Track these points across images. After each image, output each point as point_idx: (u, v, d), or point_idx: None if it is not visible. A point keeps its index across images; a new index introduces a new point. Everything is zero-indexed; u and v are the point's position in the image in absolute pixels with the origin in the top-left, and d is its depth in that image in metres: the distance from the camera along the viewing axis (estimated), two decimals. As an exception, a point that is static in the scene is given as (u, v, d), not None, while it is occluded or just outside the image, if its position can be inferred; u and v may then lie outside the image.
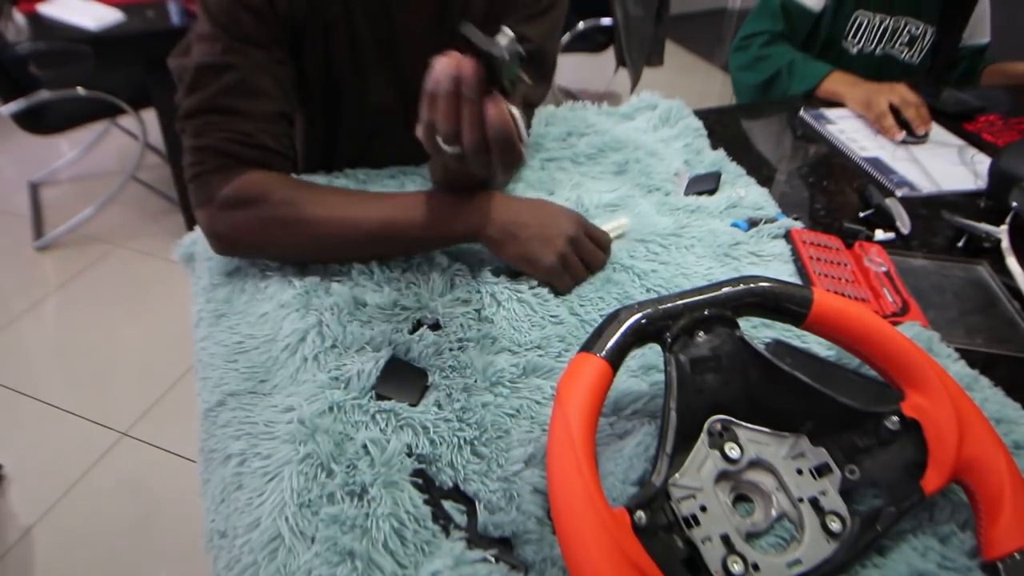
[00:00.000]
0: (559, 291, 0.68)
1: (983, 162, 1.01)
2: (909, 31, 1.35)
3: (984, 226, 0.83)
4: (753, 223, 0.81)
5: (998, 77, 1.44)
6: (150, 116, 2.07)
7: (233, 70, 0.65)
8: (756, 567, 0.44)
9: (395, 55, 0.77)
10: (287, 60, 0.71)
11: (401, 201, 0.67)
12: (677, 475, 0.46)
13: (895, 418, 0.49)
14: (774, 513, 0.48)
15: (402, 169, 0.87)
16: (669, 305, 0.50)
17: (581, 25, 2.63)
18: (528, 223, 0.66)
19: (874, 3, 1.32)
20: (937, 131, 1.12)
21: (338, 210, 0.66)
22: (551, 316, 0.67)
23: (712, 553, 0.44)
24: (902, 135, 1.08)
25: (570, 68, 3.23)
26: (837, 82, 1.23)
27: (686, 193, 0.87)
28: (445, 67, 0.47)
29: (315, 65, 0.75)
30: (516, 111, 0.45)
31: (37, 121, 1.94)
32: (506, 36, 0.43)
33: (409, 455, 0.53)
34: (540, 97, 0.82)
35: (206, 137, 0.66)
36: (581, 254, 0.68)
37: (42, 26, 1.78)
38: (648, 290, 0.70)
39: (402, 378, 0.58)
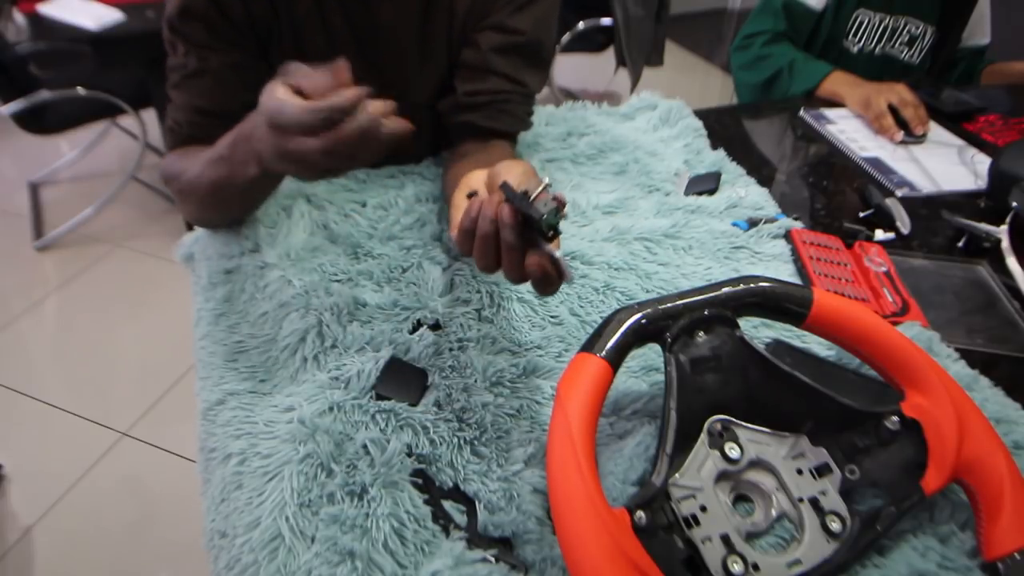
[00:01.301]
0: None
1: (983, 162, 1.01)
2: (909, 31, 1.36)
3: (984, 226, 0.83)
4: (753, 223, 0.81)
5: (997, 77, 1.44)
6: (150, 116, 2.07)
7: (182, 69, 0.71)
8: (756, 567, 0.44)
9: (376, 53, 0.77)
10: (247, 64, 0.72)
11: (220, 153, 0.62)
12: (677, 475, 0.46)
13: (895, 418, 0.49)
14: (774, 513, 0.48)
15: (401, 169, 0.87)
16: (669, 305, 0.50)
17: (581, 25, 2.63)
18: (257, 147, 0.53)
19: (875, 2, 1.33)
20: (937, 131, 1.12)
21: (195, 174, 0.67)
22: (551, 316, 0.67)
23: (712, 553, 0.44)
24: (900, 135, 1.08)
25: (570, 68, 3.22)
26: (838, 82, 1.23)
27: (686, 193, 0.87)
28: (485, 209, 0.47)
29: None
30: (558, 253, 0.45)
31: (37, 121, 1.93)
32: (542, 186, 0.44)
33: (409, 455, 0.53)
34: (537, 87, 0.82)
35: (166, 119, 0.75)
36: (297, 143, 0.48)
37: (42, 26, 1.77)
38: (648, 291, 0.70)
39: (402, 378, 0.58)
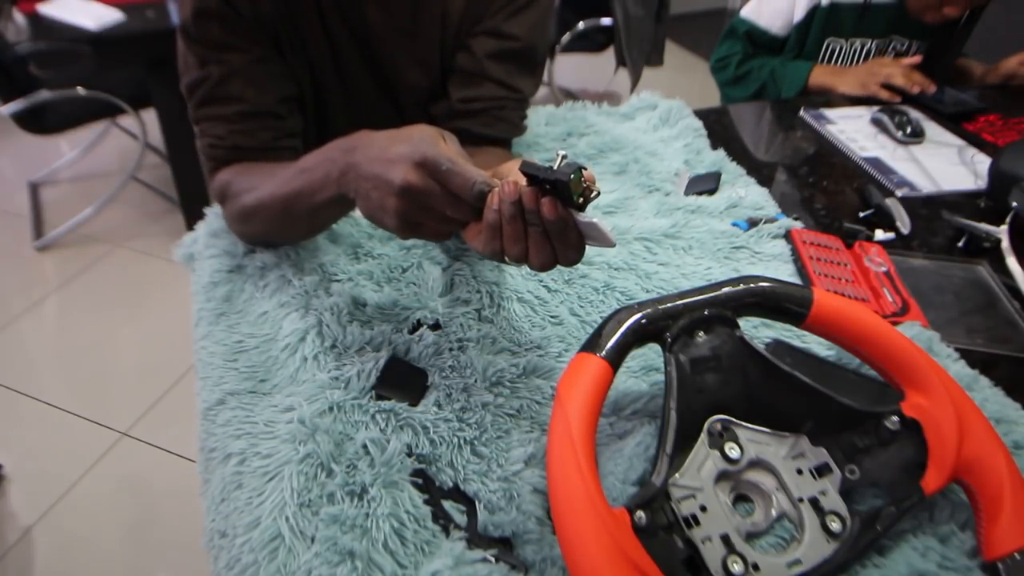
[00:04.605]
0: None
1: (983, 162, 1.01)
2: (895, 48, 1.36)
3: (984, 226, 0.83)
4: (753, 223, 0.81)
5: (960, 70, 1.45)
6: (150, 116, 2.07)
7: (207, 82, 0.69)
8: (756, 567, 0.44)
9: (371, 53, 0.78)
10: (269, 56, 0.71)
11: (304, 165, 0.60)
12: (677, 475, 0.46)
13: (895, 418, 0.49)
14: (774, 513, 0.48)
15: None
16: (669, 305, 0.50)
17: (581, 25, 2.63)
18: (366, 173, 0.51)
19: (845, 30, 1.33)
20: (937, 131, 1.12)
21: (264, 192, 0.64)
22: (551, 316, 0.67)
23: (712, 553, 0.44)
24: (917, 90, 1.17)
25: (570, 68, 3.22)
26: (822, 75, 1.29)
27: (686, 193, 0.87)
28: (504, 195, 0.47)
29: (298, 65, 0.76)
30: (598, 220, 0.45)
31: (37, 121, 1.93)
32: (559, 157, 0.44)
33: (409, 455, 0.53)
34: (531, 92, 0.82)
35: (199, 144, 0.73)
36: (429, 207, 0.49)
37: (42, 26, 1.77)
38: (648, 291, 0.70)
39: (402, 378, 0.58)
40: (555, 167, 0.44)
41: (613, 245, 0.47)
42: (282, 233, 0.70)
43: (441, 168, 0.47)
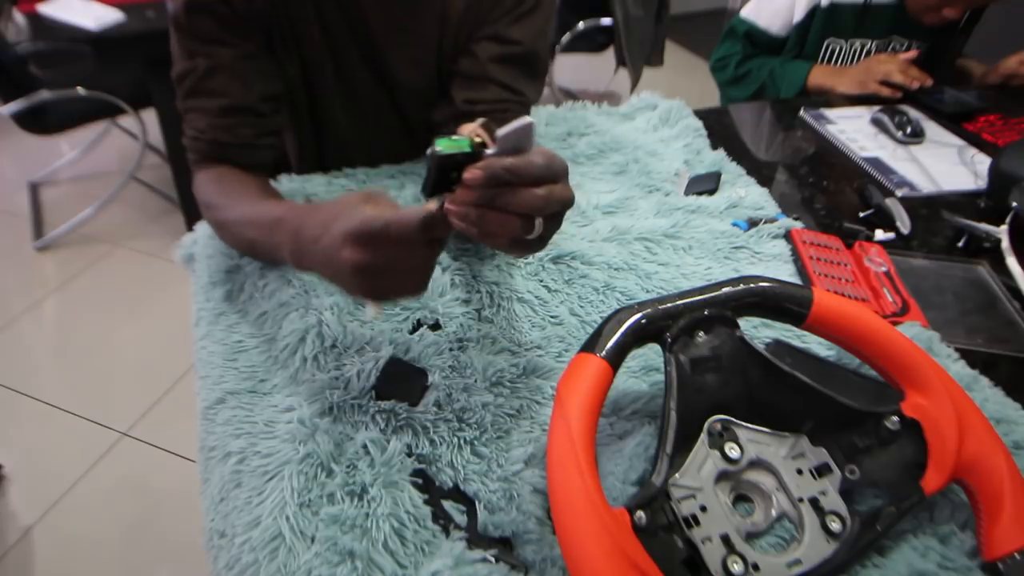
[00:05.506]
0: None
1: (983, 162, 1.01)
2: (894, 48, 1.36)
3: (984, 226, 0.83)
4: (753, 223, 0.81)
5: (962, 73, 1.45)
6: (150, 116, 2.07)
7: (192, 74, 0.70)
8: (756, 567, 0.44)
9: (373, 49, 0.78)
10: (257, 53, 0.72)
11: (258, 219, 0.61)
12: (677, 475, 0.46)
13: (895, 418, 0.49)
14: (774, 513, 0.48)
15: (401, 168, 0.87)
16: (669, 305, 0.50)
17: (581, 25, 2.63)
18: (320, 261, 0.50)
19: (845, 30, 1.33)
20: (937, 131, 1.12)
21: (231, 217, 0.66)
22: (551, 316, 0.67)
23: (712, 553, 0.44)
24: (916, 85, 1.19)
25: (570, 68, 3.22)
26: (820, 75, 1.29)
27: (686, 193, 0.87)
28: (457, 215, 0.45)
29: (290, 61, 0.76)
30: (501, 131, 0.42)
31: (37, 121, 1.93)
32: (431, 148, 0.43)
33: (409, 455, 0.53)
34: (535, 97, 0.82)
35: (183, 137, 0.73)
36: (387, 270, 0.47)
37: (42, 26, 1.78)
38: (648, 291, 0.70)
39: (402, 378, 0.58)
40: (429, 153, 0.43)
41: (531, 123, 0.43)
42: (250, 255, 0.71)
43: (376, 229, 0.45)
